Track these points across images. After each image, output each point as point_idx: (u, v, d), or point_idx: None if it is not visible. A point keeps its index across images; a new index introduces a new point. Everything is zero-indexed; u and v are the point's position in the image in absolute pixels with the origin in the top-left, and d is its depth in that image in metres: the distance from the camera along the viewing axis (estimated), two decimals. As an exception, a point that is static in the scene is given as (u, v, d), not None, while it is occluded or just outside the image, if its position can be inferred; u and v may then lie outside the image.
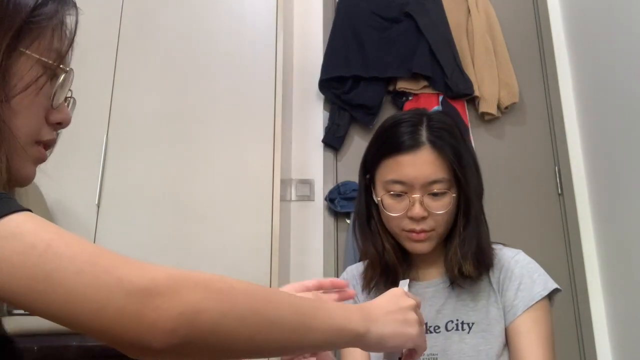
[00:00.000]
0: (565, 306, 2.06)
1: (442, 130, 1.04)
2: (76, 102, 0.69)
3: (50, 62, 0.60)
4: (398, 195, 1.03)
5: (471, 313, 1.05)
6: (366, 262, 1.11)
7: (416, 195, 1.00)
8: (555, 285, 1.05)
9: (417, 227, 1.01)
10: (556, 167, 2.23)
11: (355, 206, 1.16)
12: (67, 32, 0.64)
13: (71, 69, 0.63)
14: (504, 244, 1.12)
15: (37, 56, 0.59)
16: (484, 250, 1.04)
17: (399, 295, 0.74)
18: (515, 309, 1.02)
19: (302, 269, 2.09)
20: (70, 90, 0.66)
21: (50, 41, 0.61)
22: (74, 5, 0.66)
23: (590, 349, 1.98)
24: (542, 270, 1.07)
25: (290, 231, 2.13)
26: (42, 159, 0.65)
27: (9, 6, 0.57)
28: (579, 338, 2.02)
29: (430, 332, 1.05)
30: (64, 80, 0.62)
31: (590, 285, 2.05)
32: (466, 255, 1.03)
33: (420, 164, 1.01)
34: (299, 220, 2.17)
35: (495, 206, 2.17)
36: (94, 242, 1.76)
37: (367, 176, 1.10)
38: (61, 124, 0.65)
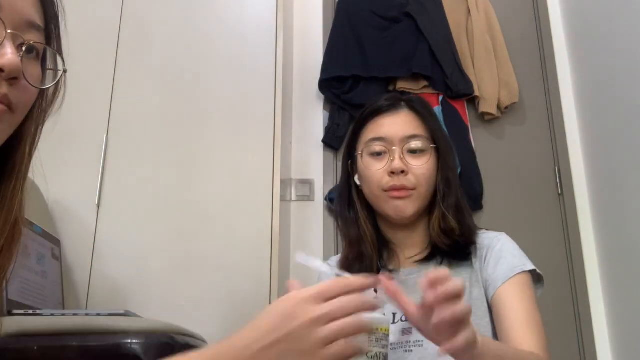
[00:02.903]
0: (565, 306, 2.06)
1: (420, 103, 1.12)
2: (38, 53, 0.59)
3: None
4: (378, 154, 1.06)
5: None
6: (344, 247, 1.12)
7: (395, 148, 1.04)
8: (533, 267, 1.05)
9: (398, 183, 1.03)
10: (556, 167, 2.23)
11: (337, 191, 1.18)
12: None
13: None
14: (487, 229, 1.13)
15: None
16: (462, 210, 1.07)
17: (287, 314, 0.52)
18: (496, 281, 1.02)
19: (302, 269, 2.08)
20: (19, 39, 0.57)
21: None
22: None
23: (590, 349, 1.98)
24: (523, 253, 1.08)
25: (290, 231, 2.13)
26: None
27: None
28: (579, 338, 2.02)
29: None
30: None
31: (590, 285, 2.05)
32: (448, 209, 1.05)
33: (399, 122, 1.07)
34: (299, 220, 2.17)
35: (495, 206, 2.18)
36: (94, 242, 1.76)
37: (349, 161, 1.13)
38: (2, 71, 0.54)
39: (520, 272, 1.01)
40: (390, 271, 1.10)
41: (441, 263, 1.06)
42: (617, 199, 1.96)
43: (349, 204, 1.12)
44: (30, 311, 1.22)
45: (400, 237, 1.11)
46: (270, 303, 1.68)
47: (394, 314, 1.07)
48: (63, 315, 1.17)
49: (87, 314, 1.17)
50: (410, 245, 1.10)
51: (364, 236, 1.09)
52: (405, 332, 1.04)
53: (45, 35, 0.61)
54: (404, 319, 1.05)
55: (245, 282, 1.72)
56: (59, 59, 0.62)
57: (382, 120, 1.08)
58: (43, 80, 0.61)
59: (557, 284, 2.07)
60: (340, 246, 2.12)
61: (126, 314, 1.22)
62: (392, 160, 1.03)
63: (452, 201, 1.06)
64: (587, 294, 2.04)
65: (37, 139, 0.63)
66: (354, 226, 1.10)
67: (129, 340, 1.04)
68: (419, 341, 1.02)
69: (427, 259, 1.07)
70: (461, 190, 1.10)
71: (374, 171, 1.05)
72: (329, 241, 2.15)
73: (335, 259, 1.18)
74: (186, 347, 1.17)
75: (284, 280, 1.93)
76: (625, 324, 1.90)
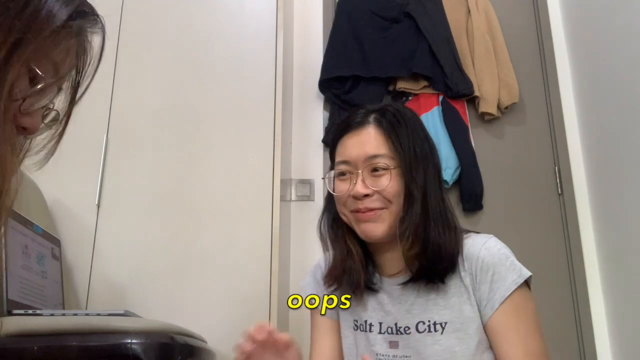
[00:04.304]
0: (565, 306, 2.06)
1: (393, 114, 1.05)
2: (59, 117, 0.64)
3: (42, 74, 0.56)
4: (343, 174, 1.04)
5: (443, 312, 1.00)
6: (330, 261, 1.10)
7: (359, 171, 1.01)
8: (529, 273, 0.99)
9: (362, 206, 1.00)
10: (556, 167, 2.23)
11: (323, 207, 1.14)
12: (82, 53, 0.61)
13: (58, 86, 0.59)
14: (476, 232, 1.06)
15: (34, 66, 0.55)
16: (429, 234, 0.99)
17: None
18: (492, 302, 0.97)
19: (302, 269, 2.09)
20: (53, 107, 0.62)
21: (57, 55, 0.58)
22: (102, 27, 0.62)
23: (590, 349, 1.98)
24: (513, 257, 1.01)
25: (290, 231, 2.13)
26: None
27: (40, 14, 0.53)
28: (579, 338, 2.02)
29: (401, 334, 1.03)
30: (41, 88, 0.57)
31: (590, 285, 2.05)
32: (408, 236, 0.98)
33: (362, 141, 1.03)
34: (299, 220, 2.17)
35: (495, 206, 2.18)
36: (94, 242, 1.76)
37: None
38: (26, 130, 0.59)
39: (516, 289, 0.96)
40: (375, 284, 1.08)
41: (425, 282, 1.01)
42: (617, 199, 1.96)
43: (334, 220, 1.10)
44: (30, 311, 1.22)
45: (381, 253, 1.08)
46: (270, 303, 1.68)
47: (381, 323, 1.06)
48: (63, 315, 1.17)
49: (87, 314, 1.17)
50: (391, 260, 1.06)
51: (350, 252, 1.07)
52: (392, 344, 1.03)
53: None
54: (390, 331, 1.04)
55: (245, 282, 1.72)
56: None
57: (348, 140, 1.05)
58: None
59: (557, 284, 2.07)
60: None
61: (126, 314, 1.22)
62: (355, 184, 1.01)
63: (413, 225, 0.99)
64: (587, 294, 2.04)
65: None
66: (340, 241, 1.08)
67: (129, 340, 1.04)
68: (406, 356, 1.01)
69: (410, 280, 1.03)
70: (437, 203, 1.02)
71: (338, 191, 1.04)
72: (329, 241, 2.14)
73: (321, 270, 1.16)
74: (186, 347, 1.17)
75: (284, 280, 1.93)
76: (625, 324, 1.90)
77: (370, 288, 1.08)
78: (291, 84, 2.30)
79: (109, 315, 1.16)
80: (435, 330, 1.00)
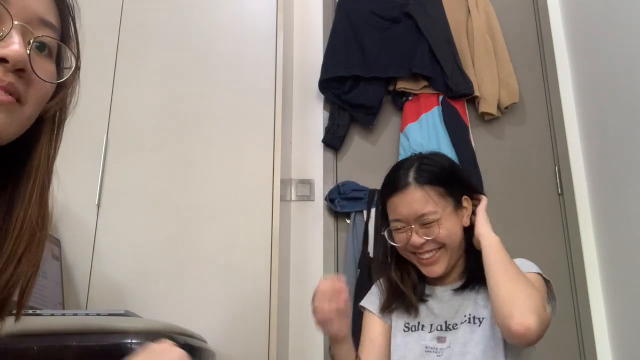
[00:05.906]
0: (565, 306, 2.06)
1: (430, 167, 1.23)
2: (51, 51, 0.59)
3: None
4: (398, 228, 1.21)
5: (482, 310, 1.18)
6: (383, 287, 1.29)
7: (412, 227, 1.19)
8: (538, 271, 1.20)
9: (421, 250, 1.19)
10: (556, 167, 2.23)
11: (377, 253, 1.40)
12: None
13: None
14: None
15: None
16: (472, 268, 1.21)
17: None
18: None
19: (302, 269, 2.09)
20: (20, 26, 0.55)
21: None
22: None
23: (590, 349, 1.98)
24: (536, 269, 1.21)
25: (290, 231, 2.13)
26: None
27: None
28: (579, 338, 2.02)
29: (449, 330, 1.19)
30: None
31: (590, 285, 2.05)
32: (453, 273, 1.25)
33: (409, 202, 1.19)
34: (299, 220, 2.17)
35: (495, 206, 2.17)
36: (94, 242, 1.76)
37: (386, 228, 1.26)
38: (7, 61, 0.52)
39: (527, 272, 1.16)
40: (427, 294, 1.26)
41: (474, 288, 1.21)
42: (617, 199, 1.96)
43: (390, 259, 1.28)
44: (30, 311, 1.22)
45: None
46: (270, 303, 1.68)
47: (431, 325, 1.23)
48: (63, 315, 1.18)
49: (87, 314, 1.17)
50: (447, 274, 1.24)
51: (405, 280, 1.26)
52: (440, 340, 1.20)
53: (60, 35, 0.60)
54: (439, 328, 1.21)
55: (245, 282, 1.72)
56: (72, 57, 0.62)
57: (396, 201, 1.21)
58: (58, 78, 0.60)
59: (557, 284, 2.06)
60: (339, 246, 2.12)
61: (126, 314, 1.22)
62: (410, 236, 1.18)
63: (459, 266, 1.24)
64: (587, 294, 2.04)
65: (56, 140, 0.63)
66: (396, 272, 1.27)
67: (129, 340, 1.04)
68: (449, 346, 1.17)
69: (462, 287, 1.23)
70: None
71: (398, 242, 1.22)
72: (328, 241, 2.15)
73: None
74: (186, 347, 1.17)
75: (284, 280, 1.93)
76: (625, 324, 1.90)
77: (422, 300, 1.25)
78: (291, 84, 2.30)
79: (109, 315, 1.16)
80: (474, 323, 1.17)
